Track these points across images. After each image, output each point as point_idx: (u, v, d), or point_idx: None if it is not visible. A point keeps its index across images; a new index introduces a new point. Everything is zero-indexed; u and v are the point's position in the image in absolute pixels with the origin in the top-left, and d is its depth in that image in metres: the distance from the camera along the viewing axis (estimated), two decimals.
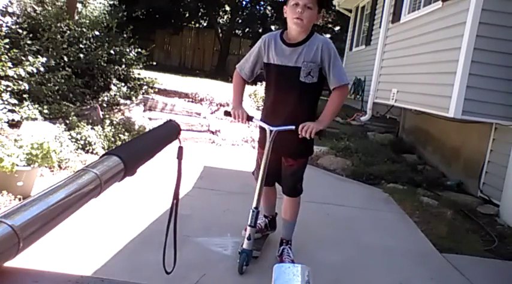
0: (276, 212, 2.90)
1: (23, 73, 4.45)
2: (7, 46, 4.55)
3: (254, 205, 2.40)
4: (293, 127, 2.25)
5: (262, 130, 2.47)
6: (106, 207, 3.04)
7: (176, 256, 0.99)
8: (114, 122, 5.41)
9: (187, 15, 16.92)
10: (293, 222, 2.63)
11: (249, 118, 2.40)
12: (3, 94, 4.31)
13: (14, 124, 4.29)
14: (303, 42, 2.29)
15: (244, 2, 17.34)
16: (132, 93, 6.72)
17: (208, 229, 2.98)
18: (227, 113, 2.45)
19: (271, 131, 2.31)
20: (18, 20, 5.54)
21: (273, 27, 17.16)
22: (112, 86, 6.39)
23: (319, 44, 2.27)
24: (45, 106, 4.76)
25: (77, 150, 4.41)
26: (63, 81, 5.26)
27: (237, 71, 2.53)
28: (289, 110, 2.34)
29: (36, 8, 6.15)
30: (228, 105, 7.44)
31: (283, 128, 2.29)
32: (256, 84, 8.09)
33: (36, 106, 4.65)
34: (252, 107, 7.95)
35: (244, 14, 17.45)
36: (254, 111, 7.72)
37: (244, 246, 2.41)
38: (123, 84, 6.71)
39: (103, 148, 4.72)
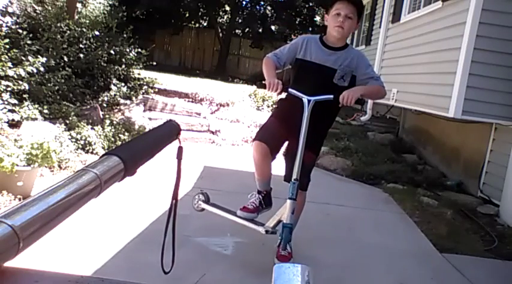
0: (270, 187, 2.77)
1: (23, 74, 4.45)
2: (7, 46, 4.54)
3: (295, 176, 2.34)
4: (331, 96, 2.30)
5: (286, 101, 2.58)
6: (106, 206, 3.04)
7: (174, 256, 0.99)
8: (114, 122, 5.41)
9: (187, 15, 16.87)
10: (295, 219, 2.63)
11: (285, 89, 2.38)
12: (3, 94, 4.31)
13: (14, 124, 4.29)
14: (341, 48, 2.46)
15: (244, 2, 17.30)
16: (132, 93, 6.72)
17: (208, 229, 2.98)
18: (261, 85, 2.47)
19: (309, 101, 2.33)
20: (18, 20, 5.53)
21: (272, 27, 17.14)
22: (112, 86, 6.39)
23: (354, 54, 2.49)
24: (45, 106, 4.76)
25: (77, 150, 4.41)
26: (63, 81, 5.25)
27: (269, 58, 2.54)
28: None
29: (36, 8, 6.15)
30: (227, 105, 7.47)
31: (321, 98, 2.33)
32: (255, 84, 8.09)
33: (36, 106, 4.65)
34: (252, 107, 7.95)
35: (244, 14, 17.40)
36: (254, 111, 7.73)
37: (287, 220, 2.29)
38: (123, 84, 6.70)
39: (103, 148, 4.72)
